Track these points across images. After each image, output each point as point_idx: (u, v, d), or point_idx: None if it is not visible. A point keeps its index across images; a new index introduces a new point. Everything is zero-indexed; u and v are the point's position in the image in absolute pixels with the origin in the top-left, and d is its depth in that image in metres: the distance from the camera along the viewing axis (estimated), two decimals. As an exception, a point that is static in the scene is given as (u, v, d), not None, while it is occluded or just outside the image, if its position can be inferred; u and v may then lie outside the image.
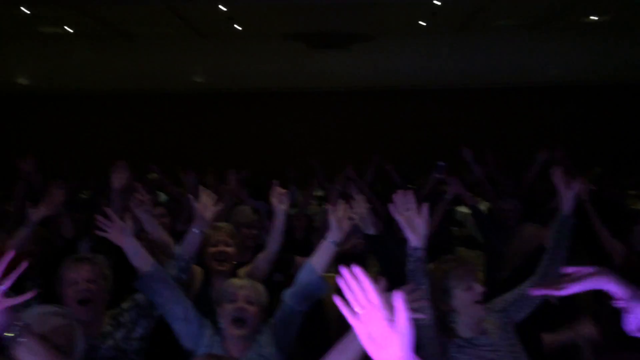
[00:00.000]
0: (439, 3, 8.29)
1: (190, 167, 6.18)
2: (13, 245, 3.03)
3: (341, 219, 2.44)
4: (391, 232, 4.49)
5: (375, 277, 1.20)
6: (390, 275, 2.01)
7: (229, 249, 2.98)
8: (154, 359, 3.51)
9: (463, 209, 6.59)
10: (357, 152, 11.52)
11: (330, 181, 6.28)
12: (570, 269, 1.37)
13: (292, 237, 4.76)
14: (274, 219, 3.00)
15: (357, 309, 1.05)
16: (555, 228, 2.41)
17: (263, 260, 3.05)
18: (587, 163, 8.10)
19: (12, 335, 1.53)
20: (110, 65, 11.49)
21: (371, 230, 2.72)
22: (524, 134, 11.39)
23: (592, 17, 9.56)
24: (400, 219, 2.06)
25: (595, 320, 2.67)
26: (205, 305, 2.56)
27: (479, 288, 2.20)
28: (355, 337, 1.59)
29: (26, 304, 2.79)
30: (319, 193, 11.13)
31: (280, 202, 2.94)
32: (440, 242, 4.23)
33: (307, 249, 2.57)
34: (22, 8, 8.33)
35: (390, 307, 1.05)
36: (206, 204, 2.60)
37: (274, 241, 3.01)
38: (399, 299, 1.04)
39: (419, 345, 2.14)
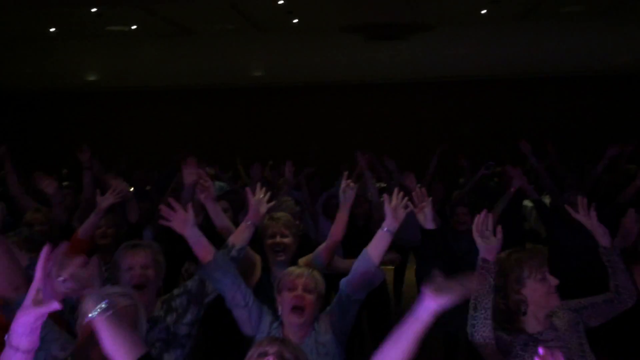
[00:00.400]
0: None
1: (251, 160, 6.28)
2: (83, 232, 3.20)
3: (397, 208, 2.46)
4: (449, 226, 4.45)
5: None
6: (447, 268, 1.98)
7: (286, 240, 3.01)
8: (211, 344, 3.63)
9: (527, 203, 6.43)
10: (418, 144, 11.42)
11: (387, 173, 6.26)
12: None
13: (354, 224, 4.77)
14: (341, 210, 3.05)
15: None
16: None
17: (324, 249, 3.09)
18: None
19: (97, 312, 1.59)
20: (173, 62, 11.83)
21: (430, 225, 2.69)
22: (591, 124, 10.95)
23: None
24: (477, 238, 2.13)
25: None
26: (266, 293, 2.63)
27: (553, 280, 2.15)
28: (410, 326, 1.60)
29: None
30: (381, 185, 11.14)
31: (346, 192, 2.98)
32: (511, 237, 4.17)
33: (367, 237, 2.59)
34: (90, 9, 8.71)
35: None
36: (261, 199, 2.66)
37: (337, 231, 3.04)
38: None
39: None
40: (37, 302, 1.40)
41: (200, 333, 2.64)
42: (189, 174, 3.43)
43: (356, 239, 3.68)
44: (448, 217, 4.58)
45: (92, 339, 1.69)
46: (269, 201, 2.76)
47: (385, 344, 1.66)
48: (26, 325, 1.41)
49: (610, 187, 5.34)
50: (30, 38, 8.80)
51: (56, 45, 9.26)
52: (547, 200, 5.60)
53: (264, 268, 3.12)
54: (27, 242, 2.94)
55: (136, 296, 2.06)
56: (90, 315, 1.59)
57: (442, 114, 11.96)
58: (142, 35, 11.21)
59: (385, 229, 2.47)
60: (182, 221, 2.42)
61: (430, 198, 2.73)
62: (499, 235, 2.11)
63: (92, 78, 12.49)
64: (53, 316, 1.80)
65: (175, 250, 3.68)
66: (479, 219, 2.13)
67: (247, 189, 2.81)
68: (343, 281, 2.46)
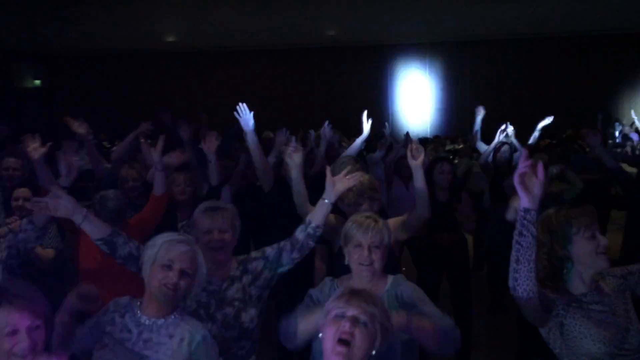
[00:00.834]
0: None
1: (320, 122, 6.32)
2: (156, 189, 3.44)
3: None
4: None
5: None
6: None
7: (361, 208, 2.98)
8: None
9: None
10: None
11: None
12: None
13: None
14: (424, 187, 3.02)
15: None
16: None
17: (413, 218, 3.10)
18: None
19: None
20: (248, 23, 11.93)
21: None
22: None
23: None
24: (519, 185, 1.92)
25: None
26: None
27: (603, 240, 2.07)
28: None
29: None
30: (449, 147, 10.97)
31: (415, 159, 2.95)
32: (598, 201, 4.07)
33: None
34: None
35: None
36: (341, 178, 2.61)
37: (421, 205, 3.02)
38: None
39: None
40: None
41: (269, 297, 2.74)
42: (280, 141, 3.77)
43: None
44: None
45: None
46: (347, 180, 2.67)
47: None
48: None
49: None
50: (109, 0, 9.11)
51: (134, 6, 9.55)
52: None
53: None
54: (109, 214, 3.18)
55: (194, 241, 2.20)
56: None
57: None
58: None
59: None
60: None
61: None
62: (541, 172, 1.92)
63: (170, 39, 12.83)
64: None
65: (249, 211, 3.84)
66: (524, 164, 1.93)
67: (328, 168, 2.75)
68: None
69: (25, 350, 1.67)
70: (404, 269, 3.74)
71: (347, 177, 2.61)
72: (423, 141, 10.51)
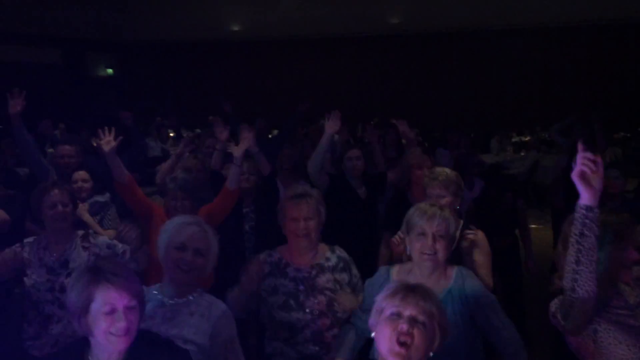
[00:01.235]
0: None
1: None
2: (230, 183, 3.45)
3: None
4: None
5: None
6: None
7: (443, 201, 2.91)
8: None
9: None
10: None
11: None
12: None
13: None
14: None
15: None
16: None
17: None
18: None
19: None
20: (310, 12, 11.93)
21: None
22: None
23: None
24: (579, 180, 1.80)
25: None
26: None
27: (634, 255, 1.91)
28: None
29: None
30: (515, 139, 10.64)
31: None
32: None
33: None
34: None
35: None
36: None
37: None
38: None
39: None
40: None
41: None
42: (332, 125, 3.75)
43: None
44: None
45: None
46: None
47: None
48: None
49: None
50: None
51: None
52: None
53: None
54: (183, 189, 3.25)
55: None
56: None
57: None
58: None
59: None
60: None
61: None
62: (601, 166, 1.78)
63: (235, 28, 13.00)
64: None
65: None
66: (583, 157, 1.79)
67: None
68: None
69: (121, 330, 1.65)
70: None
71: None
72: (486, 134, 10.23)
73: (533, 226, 5.21)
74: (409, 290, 1.69)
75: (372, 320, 1.72)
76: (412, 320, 1.63)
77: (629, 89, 11.73)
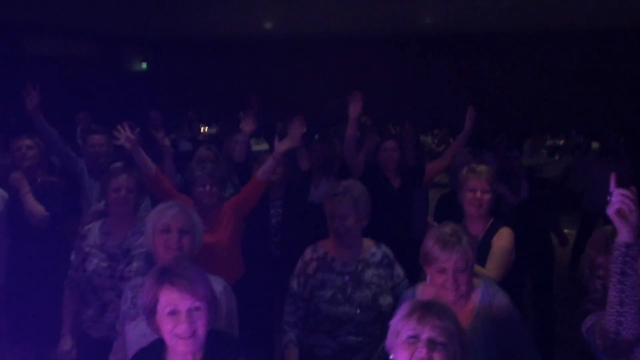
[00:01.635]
0: None
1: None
2: (262, 174, 3.46)
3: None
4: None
5: None
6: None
7: (486, 197, 2.94)
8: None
9: None
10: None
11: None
12: None
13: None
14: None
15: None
16: None
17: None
18: None
19: None
20: (348, 10, 11.88)
21: None
22: None
23: None
24: (615, 216, 1.72)
25: None
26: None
27: None
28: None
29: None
30: (549, 142, 10.42)
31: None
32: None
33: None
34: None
35: None
36: None
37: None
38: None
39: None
40: None
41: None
42: (354, 107, 3.90)
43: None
44: None
45: None
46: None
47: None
48: None
49: None
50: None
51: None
52: None
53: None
54: (211, 176, 3.28)
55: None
56: None
57: None
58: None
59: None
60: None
61: None
62: (636, 200, 1.71)
63: (269, 25, 13.03)
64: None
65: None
66: (619, 195, 1.71)
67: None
68: None
69: (184, 333, 1.64)
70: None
71: None
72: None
73: (566, 231, 5.14)
74: (424, 310, 1.63)
75: (389, 341, 1.66)
76: (431, 343, 1.56)
77: None
